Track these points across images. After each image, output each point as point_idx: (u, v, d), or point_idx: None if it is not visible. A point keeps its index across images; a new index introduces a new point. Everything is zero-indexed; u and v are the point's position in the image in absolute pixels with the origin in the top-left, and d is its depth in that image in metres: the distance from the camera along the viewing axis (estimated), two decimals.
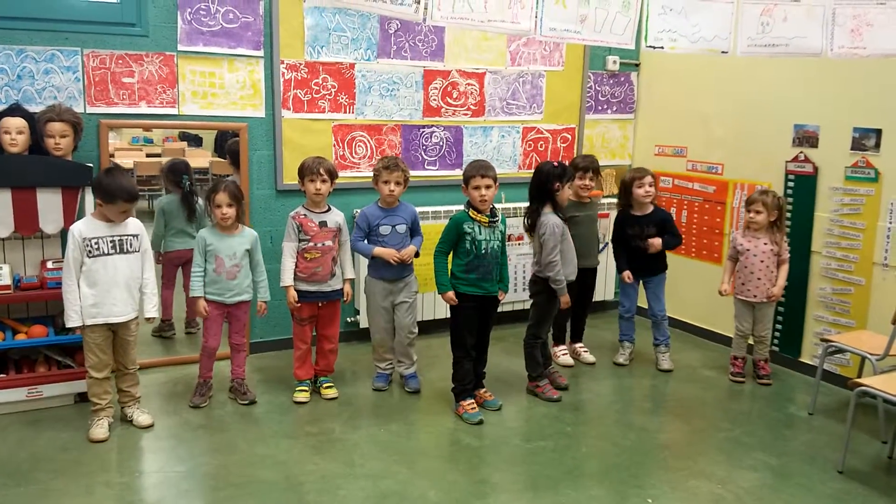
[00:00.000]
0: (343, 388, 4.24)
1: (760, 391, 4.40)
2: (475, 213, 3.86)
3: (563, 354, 4.76)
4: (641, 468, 3.45)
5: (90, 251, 3.50)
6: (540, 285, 4.12)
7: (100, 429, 3.58)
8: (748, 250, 4.42)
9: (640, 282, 4.75)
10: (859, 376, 3.98)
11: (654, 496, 3.19)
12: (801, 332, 4.67)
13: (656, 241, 4.55)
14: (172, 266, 4.78)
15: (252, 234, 4.00)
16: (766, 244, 4.39)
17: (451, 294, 3.87)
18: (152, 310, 3.70)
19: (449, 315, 4.02)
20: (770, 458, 3.56)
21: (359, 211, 4.81)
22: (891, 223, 4.18)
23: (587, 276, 4.66)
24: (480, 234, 3.86)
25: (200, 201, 4.76)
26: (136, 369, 3.77)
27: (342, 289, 4.13)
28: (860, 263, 4.33)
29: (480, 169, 3.84)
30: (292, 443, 3.61)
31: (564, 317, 4.70)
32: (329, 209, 4.09)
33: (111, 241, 3.54)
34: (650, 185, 4.58)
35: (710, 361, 4.85)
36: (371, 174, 4.16)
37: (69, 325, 3.52)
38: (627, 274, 4.67)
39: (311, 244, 4.00)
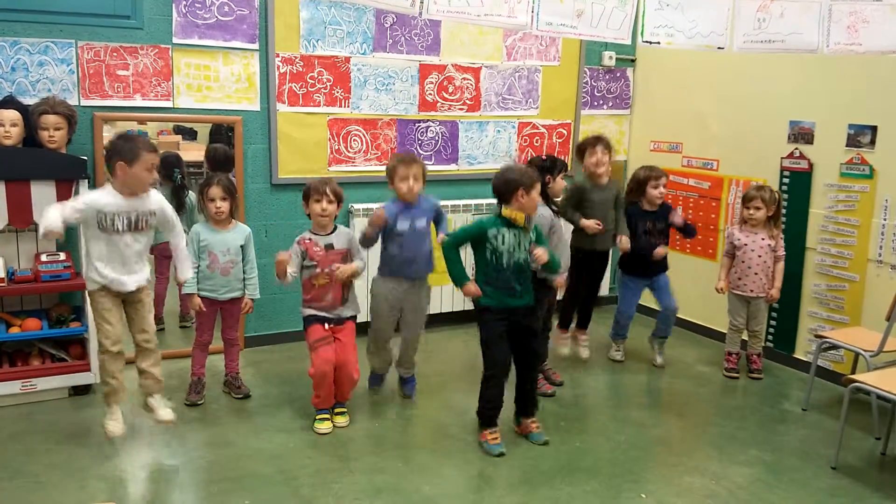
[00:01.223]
0: None
1: (754, 387, 4.41)
2: (509, 215, 3.44)
3: (563, 344, 4.65)
4: (636, 463, 3.46)
5: (102, 225, 3.24)
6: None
7: (116, 424, 3.41)
8: (745, 245, 4.42)
9: (645, 286, 4.67)
10: (853, 373, 3.99)
11: (648, 491, 3.20)
12: (796, 329, 4.68)
13: (660, 251, 4.54)
14: (164, 258, 4.75)
15: (245, 230, 3.96)
16: (763, 239, 4.40)
17: (471, 286, 3.48)
18: (181, 275, 3.59)
19: (479, 331, 3.63)
20: (764, 454, 3.57)
21: (355, 206, 4.81)
22: (885, 220, 4.18)
23: (598, 261, 4.59)
24: (503, 243, 3.44)
25: (192, 195, 4.74)
26: (155, 342, 3.50)
27: (354, 316, 3.87)
28: (855, 260, 4.34)
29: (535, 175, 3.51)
30: (287, 437, 3.60)
31: (573, 302, 4.61)
32: (336, 229, 3.81)
33: (127, 219, 3.28)
34: (664, 187, 4.55)
35: (705, 357, 4.86)
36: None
37: (46, 227, 3.10)
38: (625, 240, 4.47)
39: (318, 270, 3.71)
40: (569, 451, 3.56)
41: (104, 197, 3.28)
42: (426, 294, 4.00)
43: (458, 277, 3.52)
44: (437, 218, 3.95)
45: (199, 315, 3.91)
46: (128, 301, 3.44)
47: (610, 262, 4.76)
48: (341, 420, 3.79)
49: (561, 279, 3.96)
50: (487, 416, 3.57)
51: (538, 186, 3.49)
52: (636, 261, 4.59)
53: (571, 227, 4.39)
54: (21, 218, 3.79)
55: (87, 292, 3.47)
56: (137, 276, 3.41)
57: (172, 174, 4.67)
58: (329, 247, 3.73)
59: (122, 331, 3.42)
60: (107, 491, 3.07)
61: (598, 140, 4.44)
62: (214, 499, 3.05)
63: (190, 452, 3.43)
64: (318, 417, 3.73)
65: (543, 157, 4.16)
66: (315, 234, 3.76)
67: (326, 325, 3.75)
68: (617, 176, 5.84)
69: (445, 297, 5.08)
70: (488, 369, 3.55)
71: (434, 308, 5.00)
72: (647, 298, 4.82)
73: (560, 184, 4.13)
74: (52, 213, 3.13)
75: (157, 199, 3.41)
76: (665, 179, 4.58)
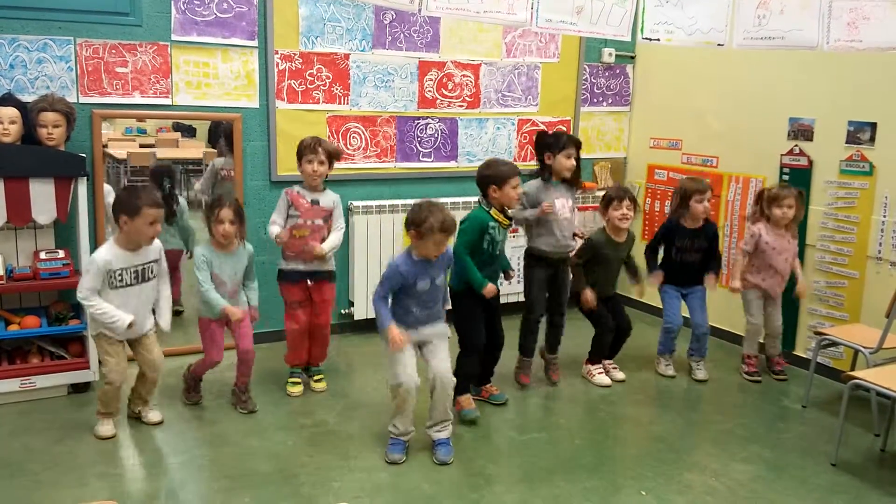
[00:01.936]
0: (337, 380, 4.24)
1: (754, 384, 4.41)
2: (498, 213, 3.75)
3: (599, 373, 4.42)
4: (635, 460, 3.46)
5: (112, 282, 3.37)
6: (527, 259, 4.16)
7: (107, 426, 3.52)
8: (774, 248, 4.33)
9: (681, 294, 4.54)
10: (852, 369, 3.99)
11: (648, 488, 3.20)
12: (795, 325, 4.68)
13: (711, 281, 4.42)
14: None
15: (249, 251, 3.84)
16: (788, 241, 4.34)
17: (491, 287, 3.69)
18: (165, 324, 3.60)
19: (455, 313, 3.78)
20: (764, 451, 3.57)
21: (354, 203, 4.81)
22: (885, 217, 4.18)
23: (608, 303, 4.39)
24: (498, 235, 3.78)
25: (182, 201, 4.74)
26: (158, 376, 3.61)
27: (332, 271, 4.02)
28: (854, 257, 4.33)
29: (516, 169, 3.74)
30: (286, 435, 3.60)
31: (604, 336, 4.41)
32: (325, 190, 3.97)
33: (134, 272, 3.43)
34: (709, 201, 4.36)
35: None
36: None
37: (125, 323, 3.33)
38: (657, 275, 4.49)
39: (300, 220, 3.88)
40: (568, 448, 3.56)
41: (109, 255, 3.37)
42: (445, 331, 3.56)
43: (479, 282, 3.68)
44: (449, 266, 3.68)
45: (207, 334, 3.77)
46: (133, 342, 3.56)
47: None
48: (320, 385, 4.11)
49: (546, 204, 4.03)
50: (466, 386, 3.86)
51: (512, 181, 3.69)
52: (670, 275, 4.48)
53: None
54: (20, 215, 3.78)
55: (91, 335, 3.54)
56: (145, 323, 3.54)
57: (161, 183, 4.67)
58: (315, 202, 3.91)
59: (125, 365, 3.51)
60: (107, 489, 3.07)
61: (625, 193, 4.28)
62: (215, 497, 3.05)
63: (190, 451, 3.43)
64: (290, 380, 4.07)
65: (549, 131, 4.09)
66: (304, 188, 3.93)
67: (309, 282, 3.97)
68: (616, 174, 5.86)
69: None
70: (468, 347, 3.83)
71: None
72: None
73: (563, 162, 4.05)
74: (116, 313, 3.35)
75: (157, 247, 3.54)
76: (710, 194, 4.36)
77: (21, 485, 3.08)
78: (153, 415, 3.67)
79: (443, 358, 3.44)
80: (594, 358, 4.44)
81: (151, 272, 3.51)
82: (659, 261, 4.55)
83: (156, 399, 3.79)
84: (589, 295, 4.24)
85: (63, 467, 3.22)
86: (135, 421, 3.68)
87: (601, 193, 5.48)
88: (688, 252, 4.42)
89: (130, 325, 3.37)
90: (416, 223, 3.32)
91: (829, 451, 3.52)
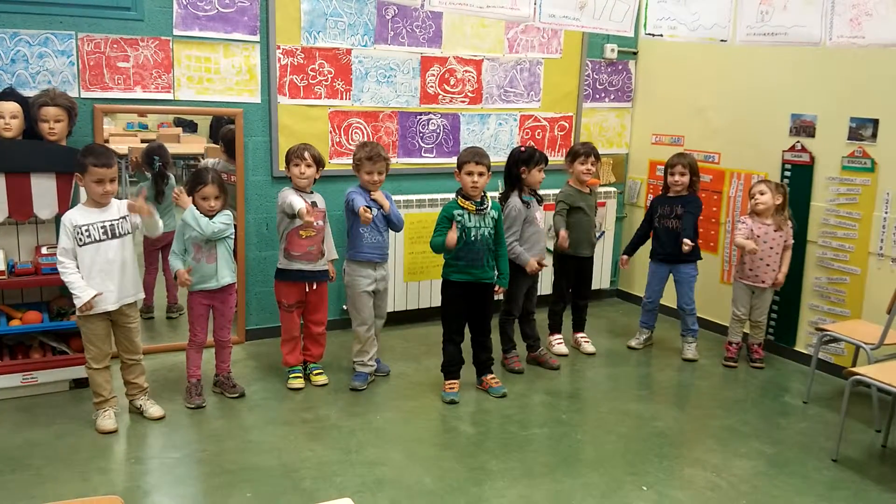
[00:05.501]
0: (339, 374, 4.24)
1: (755, 379, 4.42)
2: (463, 200, 3.91)
3: (559, 343, 4.74)
4: (637, 456, 3.46)
5: (80, 239, 3.40)
6: (512, 267, 4.19)
7: (108, 420, 3.52)
8: (759, 237, 4.40)
9: (670, 272, 4.75)
10: (854, 365, 4.00)
11: (649, 483, 3.20)
12: (797, 321, 4.68)
13: (684, 245, 4.49)
14: (154, 249, 4.77)
15: (227, 214, 3.81)
16: (775, 231, 4.39)
17: (452, 235, 3.81)
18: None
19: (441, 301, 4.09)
20: (765, 447, 3.58)
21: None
22: (886, 213, 4.18)
23: (584, 266, 4.71)
24: (469, 221, 3.89)
25: (172, 181, 4.73)
26: (141, 359, 3.69)
27: (326, 270, 4.13)
28: (856, 253, 4.33)
29: (475, 156, 3.88)
30: (288, 430, 3.61)
31: (560, 305, 4.75)
32: (312, 192, 4.08)
33: (101, 228, 3.44)
34: (680, 175, 4.63)
35: (706, 350, 4.86)
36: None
37: (85, 298, 3.36)
38: (624, 258, 4.91)
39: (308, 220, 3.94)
40: (570, 443, 3.57)
41: (75, 212, 3.45)
42: (388, 278, 4.19)
43: (441, 242, 3.85)
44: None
45: (192, 313, 3.84)
46: (117, 323, 3.58)
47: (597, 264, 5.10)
48: (321, 379, 4.14)
49: (532, 263, 4.24)
50: (449, 370, 4.06)
51: (467, 167, 3.87)
52: (656, 245, 4.78)
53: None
54: (21, 210, 3.78)
55: (76, 317, 3.53)
56: (122, 292, 3.52)
57: (152, 162, 4.67)
58: (313, 204, 4.01)
59: (109, 348, 3.59)
60: (108, 484, 3.08)
61: (591, 150, 4.62)
62: (216, 492, 3.05)
63: (191, 445, 3.43)
64: (291, 375, 4.10)
65: (522, 148, 4.30)
66: (297, 192, 4.00)
67: (315, 285, 4.07)
68: (618, 170, 5.85)
69: None
70: (447, 333, 4.04)
71: (436, 302, 4.99)
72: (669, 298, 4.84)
73: (536, 176, 4.26)
74: (80, 283, 3.41)
75: (122, 207, 3.54)
76: (681, 168, 4.62)
77: (23, 479, 3.08)
78: (154, 409, 3.68)
79: (382, 302, 4.16)
80: (552, 328, 4.79)
81: (122, 228, 3.50)
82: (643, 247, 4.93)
83: (156, 394, 3.82)
84: (563, 234, 4.47)
85: (65, 462, 3.23)
86: (136, 416, 3.68)
87: (603, 190, 5.52)
88: (666, 218, 4.68)
89: (95, 297, 3.40)
90: (352, 160, 4.06)
91: (830, 447, 3.53)
